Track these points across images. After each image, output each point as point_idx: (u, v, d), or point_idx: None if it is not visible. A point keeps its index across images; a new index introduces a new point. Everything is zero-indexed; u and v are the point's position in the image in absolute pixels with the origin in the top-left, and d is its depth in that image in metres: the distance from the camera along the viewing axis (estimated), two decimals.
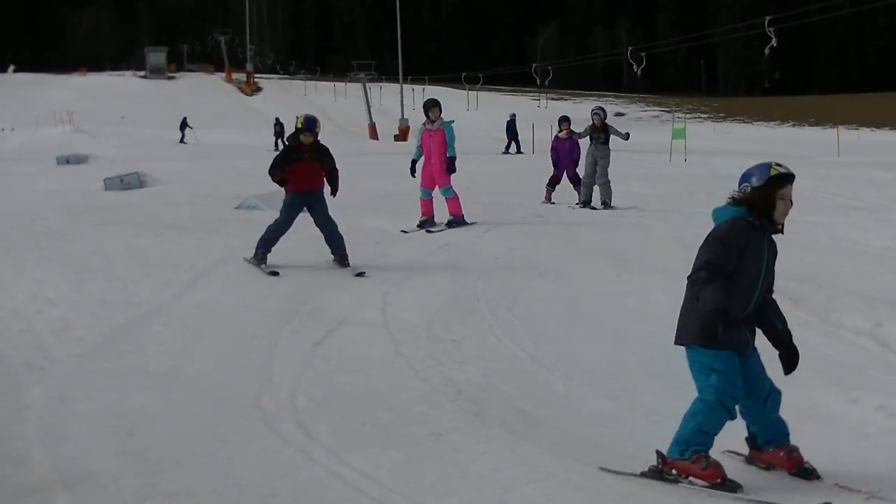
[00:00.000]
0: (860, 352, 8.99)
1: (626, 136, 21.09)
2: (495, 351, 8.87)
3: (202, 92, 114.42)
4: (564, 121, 22.15)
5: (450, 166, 16.23)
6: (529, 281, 12.11)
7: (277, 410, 7.04)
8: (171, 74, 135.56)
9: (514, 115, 50.05)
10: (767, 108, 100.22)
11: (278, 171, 12.54)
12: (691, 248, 14.16)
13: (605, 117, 20.97)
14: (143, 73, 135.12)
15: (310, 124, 12.66)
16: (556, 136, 21.90)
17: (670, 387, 7.80)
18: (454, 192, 16.49)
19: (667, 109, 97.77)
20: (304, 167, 12.54)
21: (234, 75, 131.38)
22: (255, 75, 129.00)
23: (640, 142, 50.48)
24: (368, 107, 77.17)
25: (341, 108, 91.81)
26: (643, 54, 66.24)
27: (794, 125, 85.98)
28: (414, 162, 16.73)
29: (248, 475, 5.83)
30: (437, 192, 16.49)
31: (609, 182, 20.34)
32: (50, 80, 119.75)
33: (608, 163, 20.40)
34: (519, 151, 47.25)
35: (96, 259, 13.01)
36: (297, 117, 12.90)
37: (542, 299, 11.04)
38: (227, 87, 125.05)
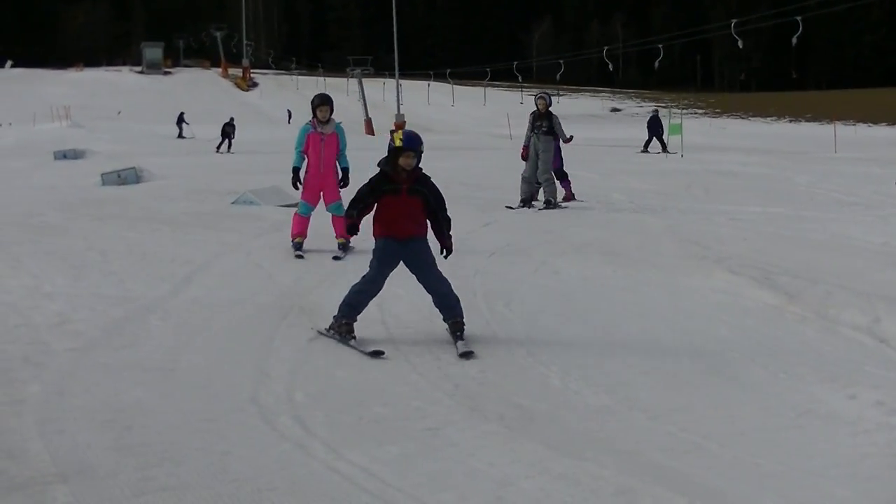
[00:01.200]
0: (858, 347, 9.01)
1: (569, 139, 19.71)
2: (492, 346, 8.87)
3: (198, 87, 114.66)
4: None
5: (344, 179, 13.49)
6: (525, 276, 12.11)
7: (274, 405, 7.04)
8: (167, 70, 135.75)
9: (657, 110, 45.16)
10: (764, 103, 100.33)
11: (359, 208, 9.08)
12: (687, 244, 14.24)
13: (550, 104, 19.44)
14: (139, 68, 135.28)
15: (413, 142, 9.01)
16: None
17: (666, 383, 7.83)
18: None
19: (663, 105, 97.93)
20: (400, 203, 8.98)
21: (231, 71, 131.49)
22: (252, 71, 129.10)
23: (637, 137, 50.49)
24: (364, 102, 77.16)
25: (338, 104, 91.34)
26: (661, 45, 66.21)
27: (790, 121, 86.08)
28: (297, 170, 13.72)
29: (245, 469, 5.82)
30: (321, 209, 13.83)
31: (552, 178, 19.05)
32: (46, 76, 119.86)
33: (551, 156, 19.00)
34: (665, 150, 40.86)
35: (93, 254, 12.99)
36: (394, 133, 9.32)
37: (538, 294, 11.05)
38: (223, 83, 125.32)
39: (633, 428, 6.72)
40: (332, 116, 13.67)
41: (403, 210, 8.92)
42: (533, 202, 18.97)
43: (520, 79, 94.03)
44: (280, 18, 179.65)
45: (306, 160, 13.56)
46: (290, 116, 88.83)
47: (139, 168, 26.64)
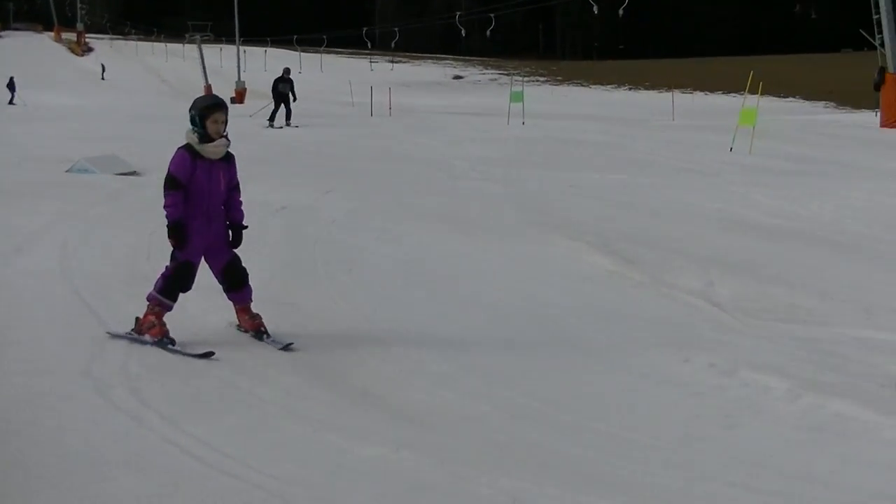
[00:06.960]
0: (693, 312, 9.21)
1: None
2: (334, 315, 8.82)
3: (30, 52, 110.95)
4: None
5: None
6: (367, 244, 12.08)
7: (109, 377, 6.86)
8: None
9: None
10: (604, 71, 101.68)
11: None
12: (527, 211, 14.34)
13: None
14: None
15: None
16: None
17: (505, 347, 7.89)
18: None
19: (505, 73, 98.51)
20: None
21: (64, 35, 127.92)
22: (87, 35, 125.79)
23: (479, 105, 50.81)
24: (204, 69, 75.79)
25: (176, 70, 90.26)
26: (492, 15, 66.30)
27: (630, 89, 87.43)
28: None
29: (79, 443, 5.67)
30: None
31: None
32: None
33: None
34: None
35: None
36: None
37: (380, 262, 11.04)
38: (56, 47, 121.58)
39: (473, 394, 6.75)
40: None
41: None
42: None
43: (369, 46, 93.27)
44: None
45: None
46: (103, 71, 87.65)
47: None
